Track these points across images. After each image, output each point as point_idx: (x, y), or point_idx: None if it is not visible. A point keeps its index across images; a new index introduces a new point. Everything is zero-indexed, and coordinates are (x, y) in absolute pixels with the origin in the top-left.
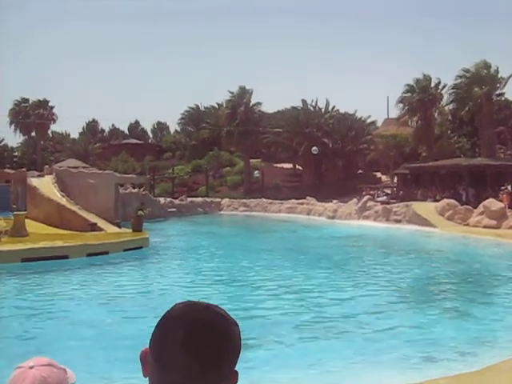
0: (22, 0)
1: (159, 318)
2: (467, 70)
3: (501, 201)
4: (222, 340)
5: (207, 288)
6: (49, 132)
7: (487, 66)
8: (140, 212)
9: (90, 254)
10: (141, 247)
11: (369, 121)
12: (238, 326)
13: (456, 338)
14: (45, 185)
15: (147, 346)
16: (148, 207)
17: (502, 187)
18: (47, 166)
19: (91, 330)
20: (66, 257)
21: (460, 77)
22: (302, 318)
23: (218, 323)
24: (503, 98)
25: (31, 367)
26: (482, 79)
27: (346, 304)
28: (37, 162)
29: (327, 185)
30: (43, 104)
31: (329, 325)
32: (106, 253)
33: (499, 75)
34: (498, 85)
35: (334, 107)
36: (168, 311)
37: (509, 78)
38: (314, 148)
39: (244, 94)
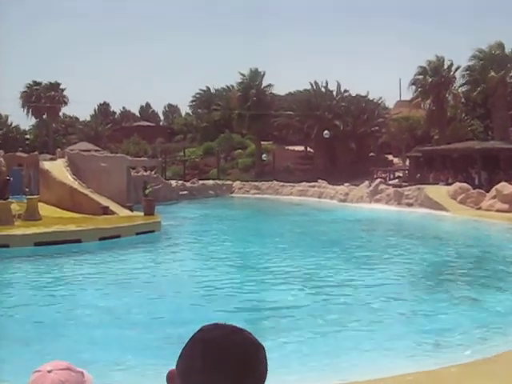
0: None
1: (187, 341)
2: (481, 51)
3: None
4: (249, 364)
5: (218, 273)
6: (60, 114)
7: (501, 46)
8: (149, 189)
9: (102, 238)
10: (153, 231)
11: (381, 103)
12: (264, 348)
13: (468, 324)
14: (57, 168)
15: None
16: (159, 189)
17: None
18: (59, 150)
19: (103, 314)
20: (78, 241)
21: (474, 57)
22: (314, 303)
23: (245, 347)
24: None
25: (49, 371)
26: (496, 60)
27: (358, 289)
28: (49, 145)
29: (339, 168)
30: (54, 87)
31: (340, 310)
32: (118, 236)
33: None
34: None
35: (345, 90)
36: (195, 334)
37: None
38: (326, 132)
39: (255, 76)
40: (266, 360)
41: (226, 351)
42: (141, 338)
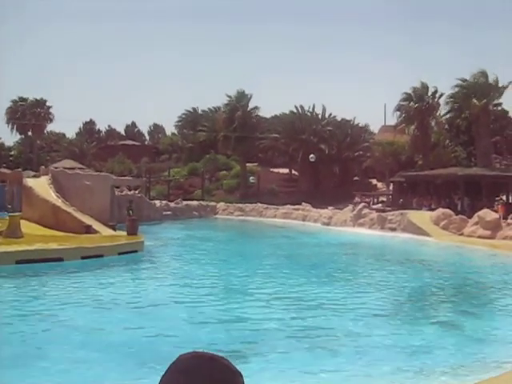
0: (22, 0)
1: (166, 370)
2: (464, 80)
3: (496, 211)
4: None
5: (199, 295)
6: (45, 131)
7: (485, 75)
8: (130, 211)
9: (84, 257)
10: (136, 251)
11: (365, 128)
12: (242, 376)
13: (448, 351)
14: (40, 185)
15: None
16: (143, 209)
17: (497, 197)
18: (43, 167)
19: (82, 334)
20: (60, 259)
21: (457, 86)
22: (294, 327)
23: (223, 376)
24: (499, 108)
25: None
26: (479, 89)
27: (339, 314)
28: (33, 162)
29: (323, 191)
30: (40, 103)
31: (321, 335)
32: (101, 256)
33: (499, 84)
34: (497, 94)
35: (330, 114)
36: (173, 363)
37: (506, 87)
38: (312, 156)
39: (242, 98)
40: None
41: (204, 381)
42: (117, 359)
